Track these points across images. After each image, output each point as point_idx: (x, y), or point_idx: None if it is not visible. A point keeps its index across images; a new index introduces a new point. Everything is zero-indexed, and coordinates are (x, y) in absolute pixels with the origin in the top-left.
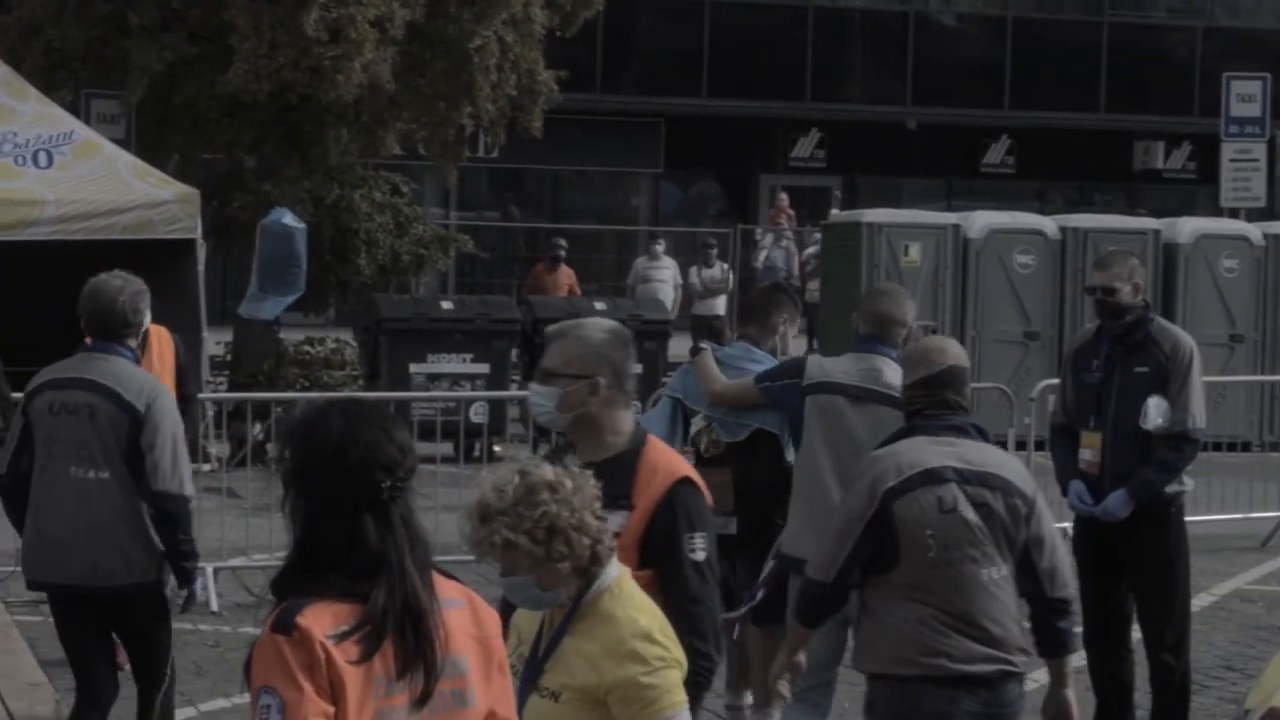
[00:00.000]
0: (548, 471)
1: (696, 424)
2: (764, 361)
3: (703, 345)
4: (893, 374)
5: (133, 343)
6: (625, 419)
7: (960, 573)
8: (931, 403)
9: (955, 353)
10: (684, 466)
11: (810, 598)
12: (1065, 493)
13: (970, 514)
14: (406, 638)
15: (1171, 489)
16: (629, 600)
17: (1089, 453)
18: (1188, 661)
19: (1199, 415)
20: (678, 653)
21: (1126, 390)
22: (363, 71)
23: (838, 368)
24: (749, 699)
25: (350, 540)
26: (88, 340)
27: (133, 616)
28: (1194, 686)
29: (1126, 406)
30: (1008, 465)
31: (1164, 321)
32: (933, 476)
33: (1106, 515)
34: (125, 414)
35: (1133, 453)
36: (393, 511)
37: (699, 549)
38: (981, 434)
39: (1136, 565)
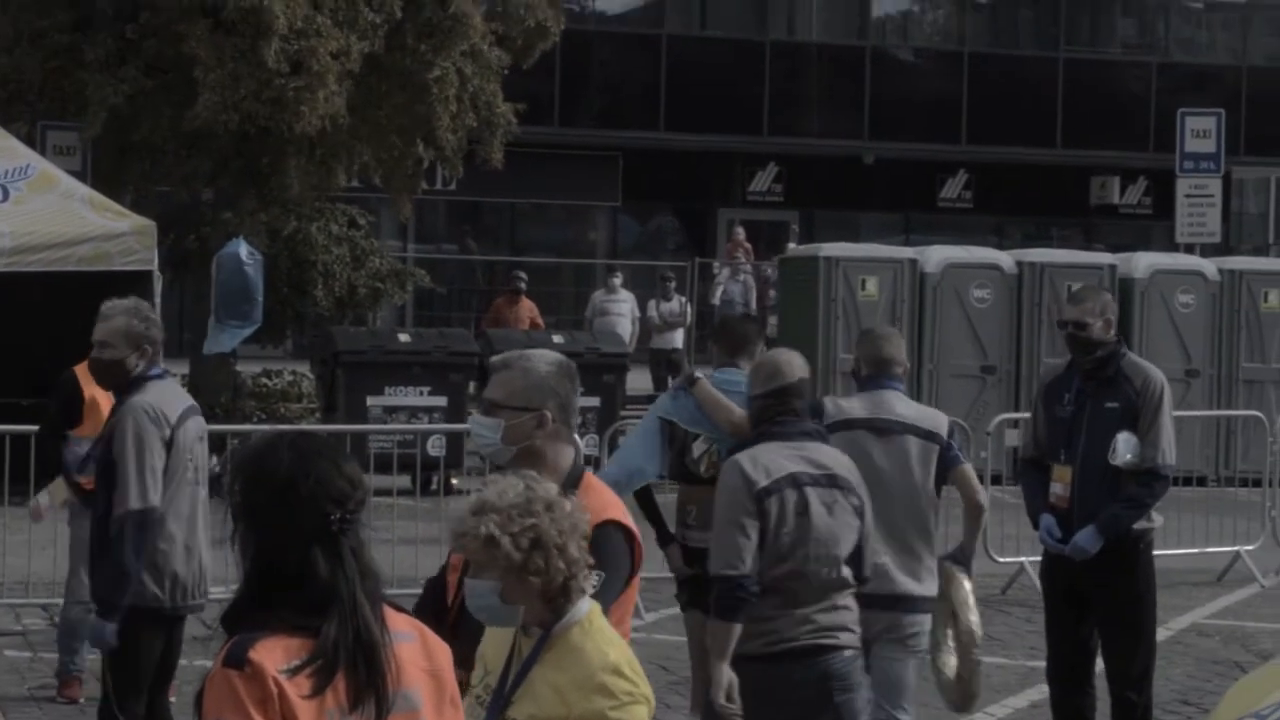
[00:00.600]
0: (553, 490)
1: (699, 446)
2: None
3: (697, 375)
4: (904, 407)
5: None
6: (567, 454)
7: (806, 570)
8: (782, 410)
9: (800, 365)
10: (615, 510)
11: (731, 592)
12: (1036, 526)
13: (821, 514)
14: (358, 670)
15: (1140, 525)
16: (599, 634)
17: (1059, 486)
18: (1150, 698)
19: (1169, 451)
20: (645, 689)
21: (1096, 425)
22: (325, 103)
23: (853, 406)
24: None
25: (300, 573)
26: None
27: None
28: None
29: (1096, 441)
30: (846, 466)
31: (1135, 357)
32: (795, 480)
33: (1076, 553)
34: None
35: (1102, 488)
36: (343, 544)
37: (589, 586)
38: (824, 438)
39: (1103, 601)
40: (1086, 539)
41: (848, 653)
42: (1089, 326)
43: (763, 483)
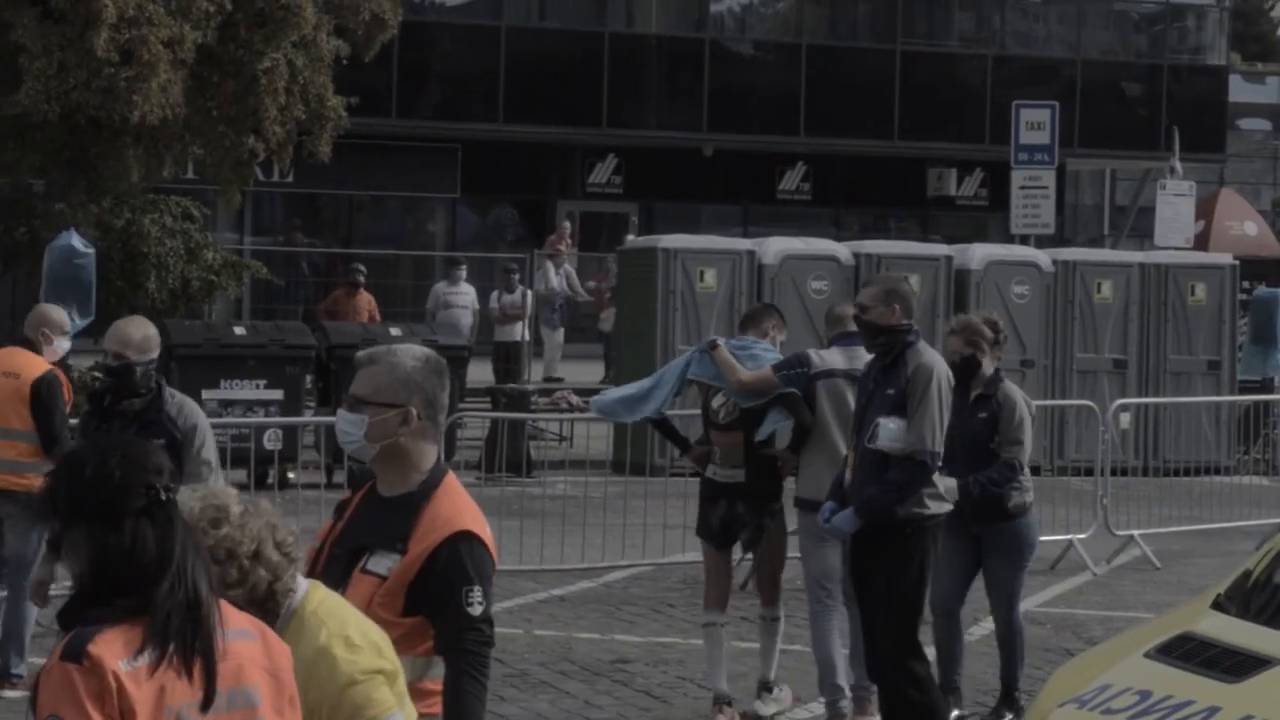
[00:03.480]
0: (230, 498)
1: (718, 399)
2: (766, 349)
3: (718, 341)
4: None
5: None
6: (430, 453)
7: None
8: None
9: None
10: (468, 518)
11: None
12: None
13: None
14: (187, 637)
15: (909, 510)
16: (313, 617)
17: (849, 471)
18: (908, 687)
19: (930, 439)
20: (369, 661)
21: (875, 411)
22: (160, 93)
23: (832, 358)
24: (723, 618)
25: (133, 549)
26: None
27: None
28: (981, 708)
29: (871, 426)
30: None
31: (923, 347)
32: None
33: (833, 532)
34: None
35: (871, 473)
36: (171, 510)
37: (475, 603)
38: None
39: (871, 582)
40: (842, 520)
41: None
42: (868, 310)
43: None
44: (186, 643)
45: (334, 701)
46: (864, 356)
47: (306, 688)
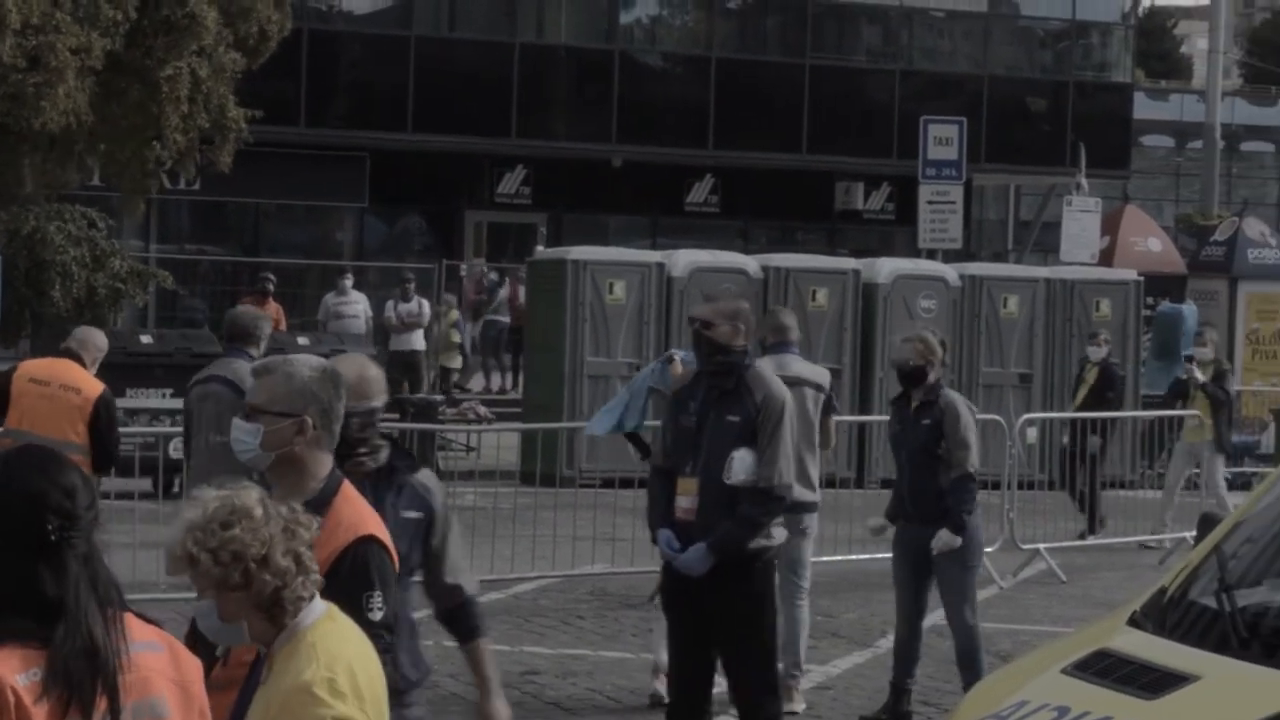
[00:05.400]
0: (253, 499)
1: None
2: None
3: (674, 354)
4: (799, 366)
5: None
6: (326, 462)
7: None
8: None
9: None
10: (370, 523)
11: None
12: (654, 538)
13: None
14: (85, 684)
15: (758, 543)
16: (309, 649)
17: (685, 500)
18: (777, 712)
19: (785, 471)
20: (345, 709)
21: (716, 439)
22: (67, 99)
23: (766, 367)
24: None
25: (25, 586)
26: None
27: None
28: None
29: (716, 455)
30: None
31: (762, 370)
32: None
33: (684, 568)
34: None
35: (720, 504)
36: (67, 554)
37: (376, 608)
38: None
39: (722, 618)
40: (695, 557)
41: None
42: (714, 326)
43: None
44: (86, 691)
45: None
46: (790, 365)
47: (279, 717)
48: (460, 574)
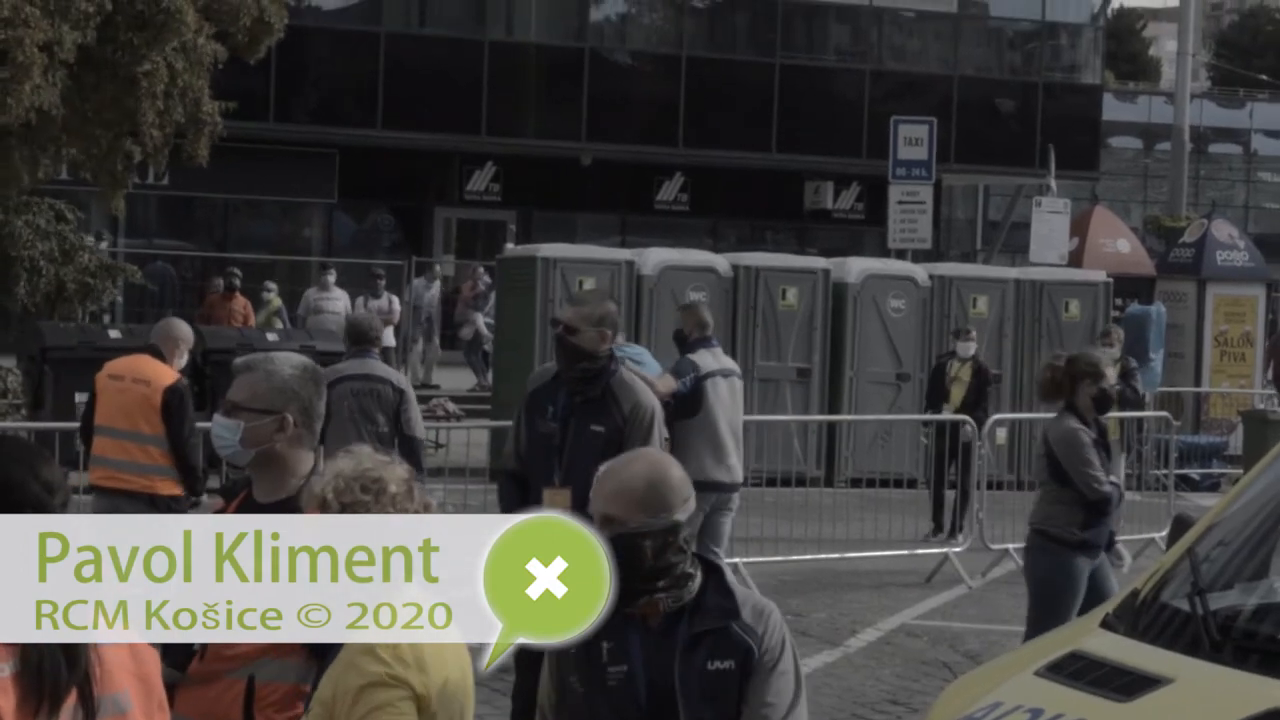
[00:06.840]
0: (399, 475)
1: None
2: (647, 356)
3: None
4: (725, 359)
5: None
6: (307, 460)
7: None
8: None
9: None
10: None
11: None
12: None
13: None
14: (58, 676)
15: None
16: None
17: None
18: None
19: None
20: (399, 671)
21: (581, 449)
22: (33, 94)
23: (707, 360)
24: None
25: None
26: None
27: None
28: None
29: (581, 468)
30: None
31: (629, 377)
32: None
33: None
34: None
35: None
36: None
37: None
38: None
39: None
40: None
41: None
42: (579, 332)
43: None
44: (60, 684)
45: (344, 696)
46: (722, 359)
47: (336, 678)
48: None
